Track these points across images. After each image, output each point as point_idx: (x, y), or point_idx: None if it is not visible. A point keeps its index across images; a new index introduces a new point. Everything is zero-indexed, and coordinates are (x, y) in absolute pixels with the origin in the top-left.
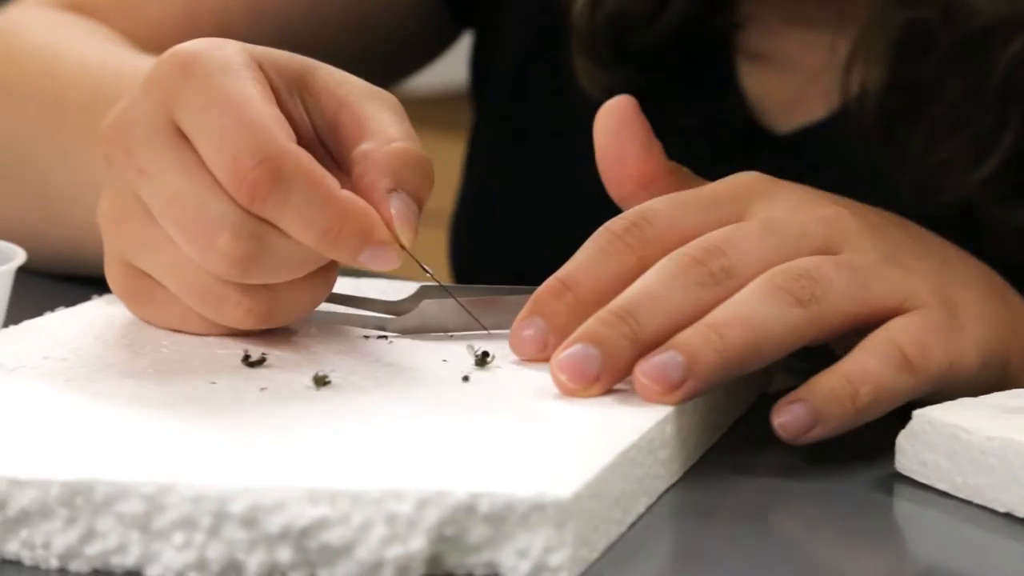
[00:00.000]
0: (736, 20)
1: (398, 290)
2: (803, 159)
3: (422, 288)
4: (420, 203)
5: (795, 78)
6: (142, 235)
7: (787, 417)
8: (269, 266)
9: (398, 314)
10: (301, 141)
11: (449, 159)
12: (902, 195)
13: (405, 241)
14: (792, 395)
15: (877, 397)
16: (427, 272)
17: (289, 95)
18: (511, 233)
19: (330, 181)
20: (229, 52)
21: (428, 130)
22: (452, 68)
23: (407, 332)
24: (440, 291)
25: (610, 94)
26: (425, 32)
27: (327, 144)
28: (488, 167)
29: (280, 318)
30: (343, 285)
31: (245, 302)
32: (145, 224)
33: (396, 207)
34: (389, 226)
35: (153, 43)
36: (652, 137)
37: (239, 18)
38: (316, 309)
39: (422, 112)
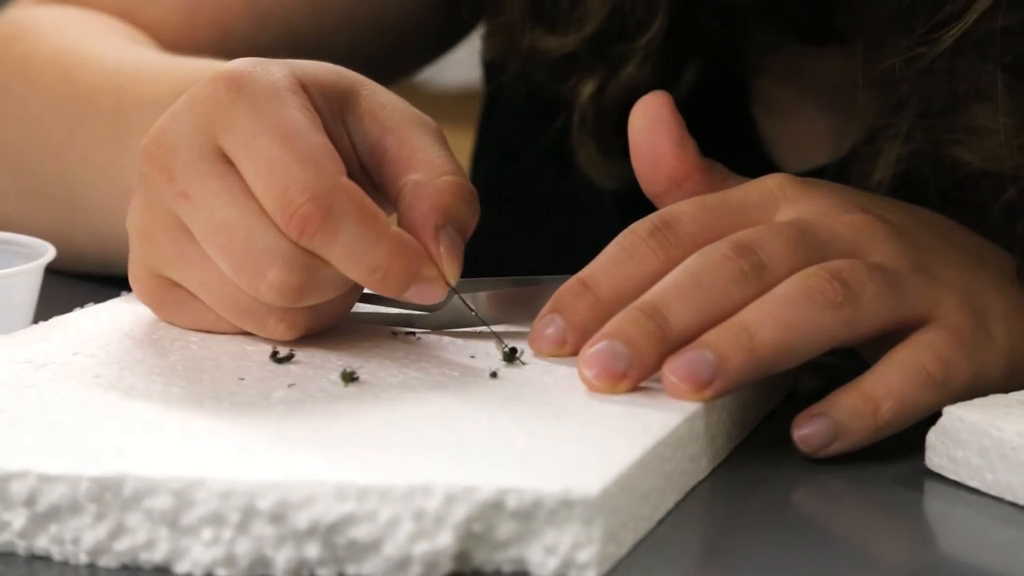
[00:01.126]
0: (748, 73)
1: None
2: None
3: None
4: (465, 236)
5: (806, 122)
6: (179, 252)
7: (807, 430)
8: (317, 293)
9: (429, 310)
10: (345, 166)
11: (461, 154)
12: None
13: (451, 278)
14: (813, 408)
15: (898, 414)
16: (464, 303)
17: (332, 118)
18: (518, 228)
19: (380, 217)
20: (276, 76)
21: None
22: (467, 65)
23: (438, 328)
24: (471, 287)
25: (618, 182)
26: (436, 24)
27: (368, 168)
28: (497, 162)
29: (318, 327)
30: None
31: (287, 319)
32: (183, 242)
33: (445, 244)
34: (436, 263)
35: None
36: (686, 134)
37: (240, 22)
38: None
39: (435, 107)
